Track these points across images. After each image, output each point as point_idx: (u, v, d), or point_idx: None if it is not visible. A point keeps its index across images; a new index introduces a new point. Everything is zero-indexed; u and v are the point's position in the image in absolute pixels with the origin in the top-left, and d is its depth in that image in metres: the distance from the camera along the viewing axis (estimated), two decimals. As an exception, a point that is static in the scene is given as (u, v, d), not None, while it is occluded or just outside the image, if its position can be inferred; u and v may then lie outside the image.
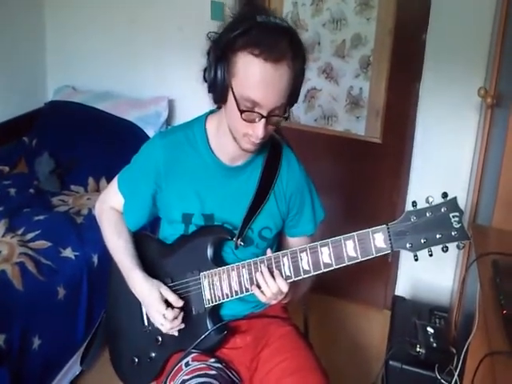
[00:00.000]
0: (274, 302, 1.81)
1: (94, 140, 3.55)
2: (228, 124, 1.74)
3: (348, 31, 3.50)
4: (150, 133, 3.56)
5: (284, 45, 1.58)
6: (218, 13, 3.49)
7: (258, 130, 1.66)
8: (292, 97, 1.68)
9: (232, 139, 1.75)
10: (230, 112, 1.68)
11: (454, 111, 3.19)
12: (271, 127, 1.70)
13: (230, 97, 1.66)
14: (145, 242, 2.04)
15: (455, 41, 3.12)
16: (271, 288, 1.74)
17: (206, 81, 1.71)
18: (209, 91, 1.72)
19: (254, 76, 1.59)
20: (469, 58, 3.10)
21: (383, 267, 3.57)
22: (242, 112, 1.64)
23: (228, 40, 1.60)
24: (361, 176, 3.59)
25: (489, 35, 3.00)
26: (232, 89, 1.64)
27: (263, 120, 1.65)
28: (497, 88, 2.67)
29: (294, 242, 2.02)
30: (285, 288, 1.74)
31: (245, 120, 1.65)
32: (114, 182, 2.04)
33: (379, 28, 3.43)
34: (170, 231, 1.98)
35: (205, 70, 1.70)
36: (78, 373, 2.82)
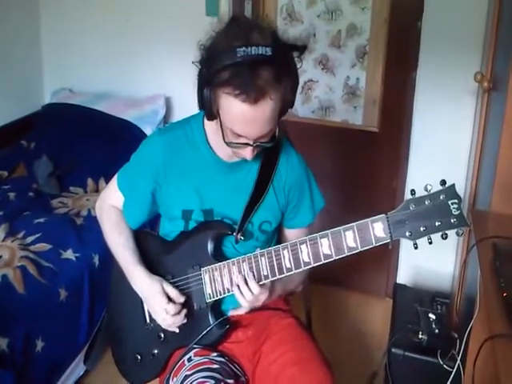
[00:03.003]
0: (257, 303, 1.82)
1: (92, 141, 3.55)
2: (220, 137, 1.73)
3: (343, 21, 3.50)
4: (148, 131, 3.56)
5: (264, 80, 1.54)
6: (213, 8, 3.49)
7: (246, 154, 1.69)
8: (282, 113, 1.68)
9: None
10: (219, 131, 1.68)
11: (450, 97, 3.18)
12: (259, 149, 1.72)
13: (219, 121, 1.65)
14: (145, 239, 2.04)
15: (450, 27, 3.11)
16: (245, 294, 1.76)
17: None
18: (199, 108, 1.71)
19: (235, 114, 1.59)
20: (464, 43, 3.09)
21: (384, 255, 3.57)
22: (228, 144, 1.67)
23: (210, 72, 1.58)
24: (359, 165, 3.60)
25: (484, 20, 2.99)
26: (219, 116, 1.64)
27: (250, 147, 1.66)
28: (493, 72, 2.66)
29: (292, 233, 2.02)
30: (256, 290, 1.75)
31: (232, 147, 1.69)
32: (114, 180, 2.04)
33: (374, 17, 3.42)
34: (170, 228, 1.98)
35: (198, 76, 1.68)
36: (81, 373, 2.83)
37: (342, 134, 3.61)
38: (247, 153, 1.68)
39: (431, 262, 3.29)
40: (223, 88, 1.56)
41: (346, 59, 3.54)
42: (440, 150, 3.27)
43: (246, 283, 1.76)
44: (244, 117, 1.58)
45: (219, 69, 1.55)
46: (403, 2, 3.27)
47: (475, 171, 2.80)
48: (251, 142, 1.65)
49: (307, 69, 3.52)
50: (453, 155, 3.24)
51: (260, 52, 1.53)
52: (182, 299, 1.85)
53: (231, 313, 1.84)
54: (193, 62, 1.64)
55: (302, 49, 1.65)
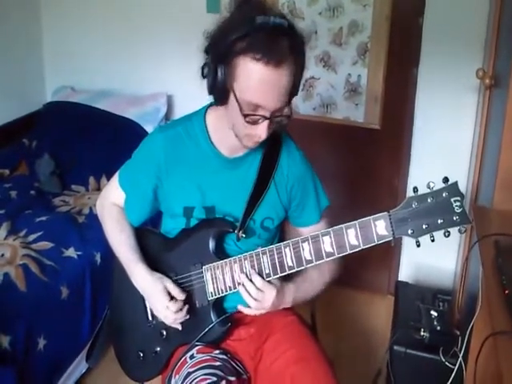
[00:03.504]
0: (262, 310, 1.82)
1: (93, 139, 3.56)
2: (230, 123, 1.72)
3: (345, 18, 3.48)
4: (150, 129, 3.55)
5: (284, 46, 1.56)
6: (214, 5, 3.49)
7: (261, 132, 1.66)
8: (292, 93, 1.67)
9: (233, 134, 1.74)
10: (232, 113, 1.66)
11: (452, 94, 3.18)
12: (274, 126, 1.69)
13: (232, 99, 1.64)
14: (147, 236, 2.04)
15: (452, 24, 3.12)
16: (250, 290, 1.76)
17: (204, 77, 1.69)
18: (209, 93, 1.70)
19: (256, 80, 1.57)
20: (466, 40, 3.09)
21: (386, 253, 3.57)
22: (245, 116, 1.63)
23: (227, 43, 1.58)
24: (361, 163, 3.60)
25: (486, 16, 2.99)
26: (234, 92, 1.62)
27: (266, 121, 1.64)
28: (495, 68, 2.66)
29: (302, 231, 2.00)
30: (259, 283, 1.75)
31: (248, 122, 1.65)
32: (115, 177, 2.05)
33: (376, 14, 3.41)
34: (171, 225, 1.98)
35: (203, 68, 1.69)
36: (84, 371, 2.83)
37: (344, 132, 3.61)
38: (263, 129, 1.65)
39: (433, 259, 3.29)
40: (243, 55, 1.56)
41: (347, 56, 3.53)
42: (442, 146, 3.28)
43: (250, 279, 1.76)
44: (265, 81, 1.57)
45: (238, 37, 1.56)
46: (404, -1, 3.27)
47: (477, 168, 2.80)
48: (268, 115, 1.63)
49: (309, 66, 3.48)
50: (454, 152, 3.24)
51: (278, 22, 1.56)
52: (183, 296, 1.85)
53: (239, 308, 1.83)
54: (200, 50, 1.66)
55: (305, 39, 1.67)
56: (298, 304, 1.97)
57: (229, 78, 1.61)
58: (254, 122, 1.65)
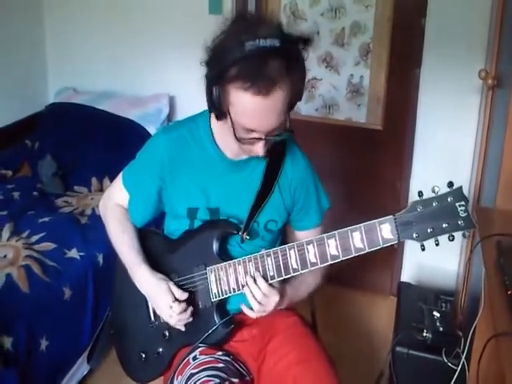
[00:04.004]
0: (263, 313, 1.81)
1: (95, 140, 3.56)
2: (231, 136, 1.71)
3: (347, 19, 3.48)
4: (152, 130, 3.57)
5: (274, 70, 1.54)
6: (216, 7, 3.49)
7: (257, 150, 1.67)
8: (292, 104, 1.67)
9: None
10: (230, 131, 1.66)
11: (455, 95, 3.18)
12: (271, 143, 1.70)
13: (229, 119, 1.64)
14: (150, 237, 2.04)
15: (454, 24, 3.12)
16: (255, 293, 1.76)
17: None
18: (209, 109, 1.71)
19: (247, 108, 1.57)
20: (468, 40, 3.09)
21: (388, 254, 3.57)
22: (238, 140, 1.65)
23: (219, 69, 1.57)
24: (363, 163, 3.59)
25: (488, 16, 2.99)
26: (230, 114, 1.63)
27: (262, 141, 1.65)
28: (497, 69, 2.65)
29: (302, 235, 1.99)
30: (264, 287, 1.75)
31: (243, 143, 1.67)
32: (119, 178, 2.04)
33: (378, 15, 3.41)
34: (175, 226, 1.98)
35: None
36: (85, 372, 2.83)
37: (346, 132, 3.61)
38: (259, 148, 1.66)
39: (435, 259, 3.29)
40: (233, 84, 1.55)
41: (349, 57, 3.53)
42: (444, 147, 3.28)
43: (255, 282, 1.76)
44: (256, 110, 1.57)
45: (228, 65, 1.54)
46: (406, 0, 3.27)
47: (480, 168, 2.80)
48: (263, 136, 1.63)
49: (311, 67, 3.49)
50: (457, 152, 3.24)
51: (268, 44, 1.53)
52: (184, 296, 1.85)
53: (242, 307, 1.82)
54: (200, 63, 1.63)
55: (308, 41, 1.63)
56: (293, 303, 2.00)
57: (224, 101, 1.61)
58: (250, 143, 1.66)
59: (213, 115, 1.84)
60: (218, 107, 1.63)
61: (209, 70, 1.62)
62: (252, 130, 1.62)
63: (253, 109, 1.57)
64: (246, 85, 1.53)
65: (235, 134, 1.64)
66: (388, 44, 3.38)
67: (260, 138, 1.64)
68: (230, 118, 1.63)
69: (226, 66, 1.55)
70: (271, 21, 1.63)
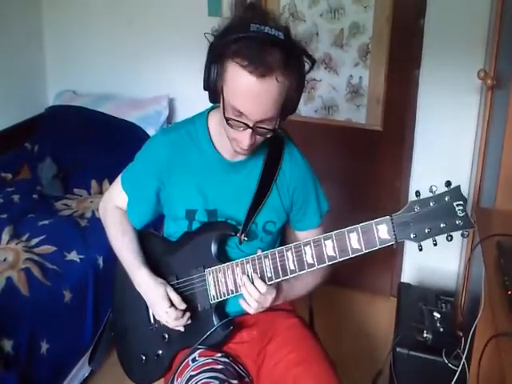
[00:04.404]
0: (261, 309, 1.81)
1: (95, 143, 3.57)
2: (222, 123, 1.72)
3: (346, 20, 3.48)
4: (151, 132, 3.57)
5: (273, 58, 1.55)
6: (215, 9, 3.49)
7: (243, 139, 1.67)
8: (285, 109, 1.67)
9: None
10: (221, 114, 1.67)
11: (454, 95, 3.18)
12: (259, 138, 1.69)
13: (221, 99, 1.65)
14: (149, 239, 2.04)
15: (453, 24, 3.11)
16: (252, 294, 1.76)
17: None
18: (204, 89, 1.71)
19: (240, 87, 1.58)
20: (467, 40, 3.09)
21: (388, 255, 3.57)
22: (227, 119, 1.64)
23: (220, 46, 1.59)
24: (363, 164, 3.59)
25: (487, 16, 2.99)
26: (223, 93, 1.63)
27: (249, 130, 1.64)
28: (496, 69, 2.65)
29: (302, 235, 2.00)
30: (262, 288, 1.75)
31: (230, 126, 1.66)
32: (118, 180, 2.04)
33: (377, 15, 3.41)
34: (174, 228, 1.98)
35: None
36: (86, 375, 2.83)
37: (346, 133, 3.61)
38: (245, 137, 1.65)
39: (435, 260, 3.28)
40: (232, 59, 1.56)
41: (348, 58, 3.52)
42: (444, 147, 3.28)
43: (252, 283, 1.76)
44: (248, 90, 1.57)
45: (231, 40, 1.56)
46: (405, 0, 3.26)
47: (479, 169, 2.79)
48: (251, 124, 1.62)
49: (310, 68, 3.51)
50: (456, 152, 3.24)
51: (273, 33, 1.55)
52: (182, 306, 1.85)
53: (241, 302, 1.81)
54: (204, 35, 1.65)
55: (311, 59, 1.65)
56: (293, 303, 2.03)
57: (220, 79, 1.62)
58: (236, 127, 1.65)
59: (211, 116, 1.85)
60: (214, 87, 1.64)
61: (211, 45, 1.64)
62: (241, 114, 1.61)
63: (246, 89, 1.57)
64: (243, 62, 1.54)
65: (224, 114, 1.64)
66: (387, 45, 3.38)
67: (247, 125, 1.63)
68: (223, 97, 1.63)
69: (228, 41, 1.57)
70: (280, 19, 1.65)
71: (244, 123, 1.63)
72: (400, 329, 2.74)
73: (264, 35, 1.54)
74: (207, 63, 1.64)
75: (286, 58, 1.57)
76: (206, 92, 1.71)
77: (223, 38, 1.59)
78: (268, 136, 1.70)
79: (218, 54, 1.60)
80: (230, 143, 1.74)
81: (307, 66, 1.66)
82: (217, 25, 1.65)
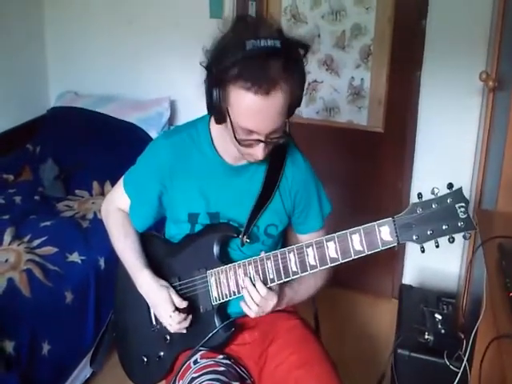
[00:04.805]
0: (262, 314, 1.81)
1: (97, 144, 3.57)
2: (230, 141, 1.71)
3: (347, 22, 3.48)
4: (153, 134, 3.57)
5: (275, 70, 1.54)
6: (217, 11, 3.50)
7: (257, 153, 1.67)
8: (292, 107, 1.66)
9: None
10: (230, 133, 1.66)
11: (456, 97, 3.18)
12: (271, 146, 1.69)
13: (229, 121, 1.64)
14: (151, 241, 2.04)
15: (455, 26, 3.12)
16: (253, 296, 1.76)
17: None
18: (208, 112, 1.71)
19: (247, 108, 1.57)
20: (469, 42, 3.09)
21: (390, 257, 3.57)
22: (239, 142, 1.64)
23: (219, 69, 1.57)
24: (364, 166, 3.59)
25: (489, 18, 2.99)
26: (229, 116, 1.63)
27: (262, 144, 1.64)
28: (498, 71, 2.65)
29: (304, 238, 1.99)
30: (263, 291, 1.75)
31: (243, 146, 1.66)
32: (120, 183, 2.04)
33: (378, 17, 3.41)
34: (175, 231, 1.98)
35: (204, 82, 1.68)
36: (88, 376, 2.83)
37: (347, 135, 3.61)
38: (259, 151, 1.66)
39: (437, 262, 3.29)
40: (234, 83, 1.55)
41: (350, 60, 3.52)
42: (445, 149, 3.28)
43: (254, 285, 1.76)
44: (256, 110, 1.56)
45: (229, 65, 1.54)
46: (407, 2, 3.26)
47: (481, 170, 2.79)
48: (263, 138, 1.63)
49: (311, 70, 3.51)
50: (458, 154, 3.24)
51: (269, 44, 1.53)
52: (183, 305, 1.85)
53: (241, 305, 1.81)
54: (200, 64, 1.64)
55: (308, 46, 1.64)
56: (294, 304, 2.01)
57: (223, 102, 1.61)
58: (249, 146, 1.66)
59: (212, 120, 1.84)
60: (218, 109, 1.63)
61: (209, 71, 1.62)
62: (252, 132, 1.62)
63: (253, 109, 1.56)
64: (246, 85, 1.53)
65: (235, 136, 1.64)
66: (389, 46, 3.38)
67: (260, 140, 1.63)
68: (230, 119, 1.63)
69: (226, 66, 1.55)
70: (271, 23, 1.63)
71: (256, 140, 1.63)
72: (401, 330, 2.73)
73: (261, 50, 1.52)
74: (208, 88, 1.63)
75: (286, 65, 1.56)
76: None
77: (220, 62, 1.57)
78: (281, 142, 1.70)
79: (218, 79, 1.59)
80: (243, 157, 1.75)
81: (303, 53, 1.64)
82: (208, 45, 1.63)
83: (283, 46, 1.56)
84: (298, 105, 1.69)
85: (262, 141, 1.63)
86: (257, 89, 1.53)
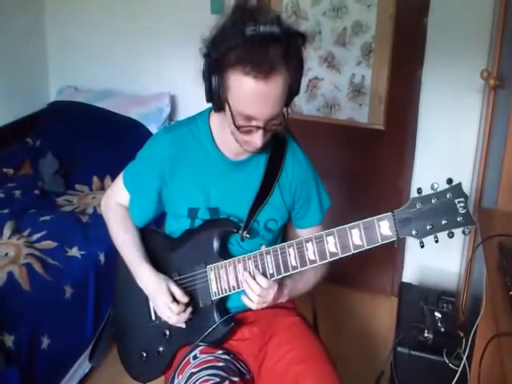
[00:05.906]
0: (264, 304, 1.81)
1: (97, 139, 3.57)
2: (229, 129, 1.71)
3: (348, 19, 3.48)
4: (153, 129, 3.57)
5: (274, 56, 1.54)
6: (218, 6, 3.48)
7: (256, 140, 1.67)
8: (291, 93, 1.66)
9: (234, 139, 1.74)
10: (229, 121, 1.66)
11: (456, 95, 3.18)
12: (270, 133, 1.70)
13: (227, 108, 1.65)
14: (151, 236, 2.04)
15: (456, 24, 3.12)
16: (254, 288, 1.76)
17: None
18: (207, 101, 1.70)
19: (247, 93, 1.57)
20: (470, 40, 3.09)
21: (390, 254, 3.57)
22: (238, 128, 1.65)
23: (218, 55, 1.58)
24: (365, 163, 3.59)
25: (490, 16, 2.99)
26: (228, 102, 1.63)
27: (261, 131, 1.64)
28: (499, 69, 2.65)
29: (303, 233, 1.99)
30: (264, 284, 1.75)
31: (242, 132, 1.66)
32: (120, 177, 2.04)
33: (380, 14, 3.41)
34: (175, 226, 1.98)
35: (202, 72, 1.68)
36: (87, 371, 2.83)
37: (348, 132, 3.61)
38: (258, 138, 1.66)
39: (437, 260, 3.29)
40: (233, 68, 1.56)
41: (351, 57, 3.52)
42: (446, 147, 3.28)
43: (254, 278, 1.76)
44: (256, 94, 1.57)
45: (228, 49, 1.55)
46: (408, -1, 3.27)
47: (481, 169, 2.80)
48: (261, 124, 1.63)
49: (312, 66, 3.51)
50: (459, 152, 3.24)
51: (268, 30, 1.54)
52: (185, 299, 1.85)
53: (243, 298, 1.81)
54: (199, 50, 1.64)
55: (305, 36, 1.64)
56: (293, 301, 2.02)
57: (222, 88, 1.61)
58: (248, 132, 1.66)
59: (212, 115, 1.85)
60: (217, 96, 1.64)
61: (207, 58, 1.63)
62: (251, 118, 1.62)
63: (253, 93, 1.57)
64: (246, 69, 1.54)
65: (234, 123, 1.64)
66: (390, 43, 3.37)
67: (259, 127, 1.64)
68: (229, 106, 1.63)
69: (225, 51, 1.56)
70: (270, 10, 1.64)
71: (255, 126, 1.63)
72: (401, 328, 2.73)
73: (260, 36, 1.53)
74: (207, 75, 1.63)
75: (285, 50, 1.57)
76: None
77: (219, 47, 1.58)
78: (279, 129, 1.70)
79: (217, 65, 1.59)
80: (241, 146, 1.74)
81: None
82: (209, 30, 1.64)
83: (282, 32, 1.56)
84: (297, 93, 1.69)
85: (260, 127, 1.63)
86: (256, 73, 1.53)
